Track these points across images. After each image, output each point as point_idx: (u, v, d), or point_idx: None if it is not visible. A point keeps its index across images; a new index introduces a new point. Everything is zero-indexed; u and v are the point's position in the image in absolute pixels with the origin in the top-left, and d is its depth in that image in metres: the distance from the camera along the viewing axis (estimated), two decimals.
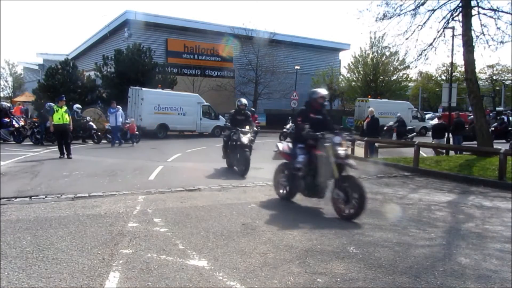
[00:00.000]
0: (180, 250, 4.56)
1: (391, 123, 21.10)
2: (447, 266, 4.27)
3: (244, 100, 11.22)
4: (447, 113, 19.72)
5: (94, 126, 18.31)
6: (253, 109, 18.72)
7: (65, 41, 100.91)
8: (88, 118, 18.66)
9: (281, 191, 7.36)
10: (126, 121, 19.07)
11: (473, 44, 12.76)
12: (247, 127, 10.58)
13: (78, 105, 19.32)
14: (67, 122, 12.70)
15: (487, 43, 13.17)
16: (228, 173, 10.42)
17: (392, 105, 30.32)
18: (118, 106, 17.47)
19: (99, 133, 18.12)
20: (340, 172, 6.20)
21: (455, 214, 6.77)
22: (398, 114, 21.47)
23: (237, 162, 10.23)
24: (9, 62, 51.08)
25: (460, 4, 12.90)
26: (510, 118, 35.25)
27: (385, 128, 20.87)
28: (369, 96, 31.19)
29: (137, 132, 18.67)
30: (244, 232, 5.29)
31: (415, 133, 22.06)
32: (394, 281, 3.85)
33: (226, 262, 4.22)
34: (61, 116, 12.62)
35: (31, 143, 16.99)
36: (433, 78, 56.54)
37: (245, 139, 10.05)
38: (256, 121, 17.16)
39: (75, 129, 17.72)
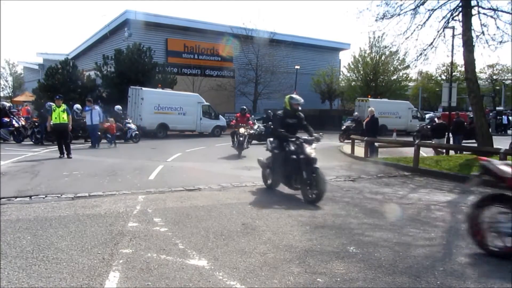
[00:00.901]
0: (180, 250, 4.56)
1: (348, 122, 21.63)
2: (447, 266, 4.27)
3: (298, 98, 8.11)
4: (447, 112, 19.72)
5: None
6: (244, 107, 16.39)
7: (65, 41, 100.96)
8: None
9: (498, 245, 4.53)
10: (125, 117, 19.08)
11: (473, 44, 12.75)
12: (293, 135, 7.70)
13: (78, 105, 19.29)
14: (65, 122, 12.65)
15: (487, 42, 13.17)
16: (276, 197, 7.52)
17: (392, 105, 30.32)
18: (94, 105, 16.56)
19: (99, 133, 18.08)
20: None
21: (455, 214, 6.77)
22: (355, 113, 22.52)
23: (301, 184, 7.24)
24: (9, 62, 51.15)
25: (460, 4, 12.89)
26: (510, 117, 35.38)
27: (343, 128, 21.61)
28: (369, 96, 31.19)
29: (118, 133, 18.22)
30: (244, 232, 5.29)
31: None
32: (394, 281, 3.85)
33: (226, 262, 4.22)
34: (57, 115, 12.62)
35: (31, 142, 16.99)
36: (433, 77, 56.52)
37: (310, 150, 7.25)
38: (250, 121, 15.63)
39: (75, 129, 17.72)
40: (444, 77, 52.01)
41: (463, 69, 17.19)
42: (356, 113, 23.24)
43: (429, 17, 13.74)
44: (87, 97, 19.77)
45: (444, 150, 14.54)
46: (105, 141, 17.94)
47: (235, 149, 14.46)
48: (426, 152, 15.03)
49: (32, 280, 3.68)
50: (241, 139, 14.17)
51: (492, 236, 4.60)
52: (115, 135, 17.23)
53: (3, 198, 6.87)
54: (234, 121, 15.59)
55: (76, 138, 17.75)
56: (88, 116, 16.16)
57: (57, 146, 12.79)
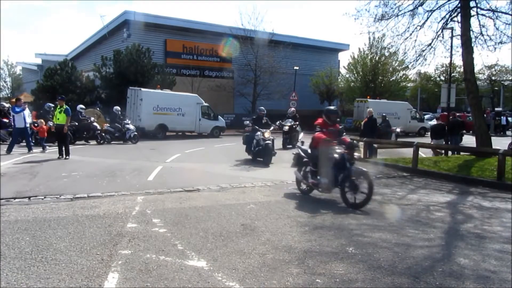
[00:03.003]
0: (179, 251, 4.55)
1: (289, 122, 18.27)
2: (446, 267, 4.27)
3: None
4: (445, 113, 19.74)
5: (98, 127, 18.27)
6: (333, 107, 9.52)
7: (64, 42, 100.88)
8: (92, 118, 18.62)
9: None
10: (124, 118, 19.05)
11: (472, 45, 12.77)
12: None
13: (82, 106, 19.26)
14: (61, 123, 12.63)
15: (486, 43, 13.20)
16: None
17: (391, 106, 30.34)
18: (25, 104, 14.52)
19: (103, 134, 18.08)
20: None
21: (454, 215, 6.78)
22: (292, 109, 19.80)
23: None
24: (8, 63, 50.97)
25: (459, 5, 12.91)
26: (509, 118, 35.41)
27: (285, 129, 17.99)
28: (368, 97, 31.23)
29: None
30: (243, 233, 5.29)
31: (302, 134, 19.68)
32: (393, 282, 3.86)
33: (225, 263, 4.22)
34: (55, 116, 12.79)
35: (31, 143, 16.92)
36: (432, 78, 56.58)
37: None
38: (345, 137, 7.78)
39: (79, 129, 17.70)
40: (443, 78, 52.07)
41: (462, 70, 17.18)
42: (292, 109, 19.92)
43: (427, 18, 13.77)
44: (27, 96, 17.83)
45: (442, 151, 14.56)
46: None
47: (324, 189, 7.38)
48: (425, 153, 15.04)
49: (31, 281, 3.67)
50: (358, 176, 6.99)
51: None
52: (44, 139, 15.01)
53: (2, 198, 6.85)
54: (320, 133, 7.58)
55: (79, 139, 17.75)
56: (20, 118, 13.80)
57: (56, 147, 12.79)
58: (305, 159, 7.87)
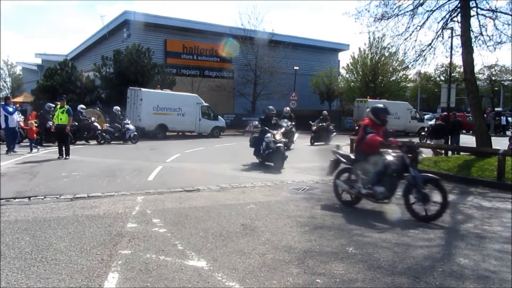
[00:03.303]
0: (179, 251, 4.55)
1: (284, 123, 16.90)
2: (446, 267, 4.27)
3: None
4: (445, 113, 19.74)
5: (99, 127, 18.27)
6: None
7: (64, 42, 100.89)
8: (93, 118, 18.62)
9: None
10: (123, 118, 19.01)
11: (472, 45, 12.76)
12: None
13: (82, 106, 19.27)
14: (62, 123, 12.64)
15: (486, 43, 13.19)
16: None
17: (391, 106, 30.30)
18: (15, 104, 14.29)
19: (103, 134, 18.08)
20: None
21: (454, 215, 6.77)
22: (287, 109, 18.98)
23: None
24: (8, 63, 50.98)
25: (459, 5, 12.90)
26: (509, 118, 35.41)
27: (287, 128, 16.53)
28: (368, 97, 31.21)
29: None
30: (243, 233, 5.29)
31: (297, 135, 18.73)
32: (393, 282, 3.86)
33: (225, 263, 4.22)
34: (57, 116, 12.79)
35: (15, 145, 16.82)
36: (432, 78, 56.59)
37: None
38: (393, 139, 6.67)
39: (80, 129, 17.70)
40: (443, 78, 52.08)
41: (462, 70, 17.17)
42: (288, 108, 19.07)
43: (427, 18, 13.76)
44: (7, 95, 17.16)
45: (442, 151, 14.55)
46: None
47: (380, 199, 6.71)
48: (424, 153, 15.02)
49: (31, 281, 3.68)
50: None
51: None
52: (34, 140, 14.70)
53: (2, 199, 6.85)
54: (374, 135, 6.55)
55: (80, 139, 17.74)
56: (12, 118, 13.76)
57: (56, 147, 12.76)
58: (348, 166, 7.02)
